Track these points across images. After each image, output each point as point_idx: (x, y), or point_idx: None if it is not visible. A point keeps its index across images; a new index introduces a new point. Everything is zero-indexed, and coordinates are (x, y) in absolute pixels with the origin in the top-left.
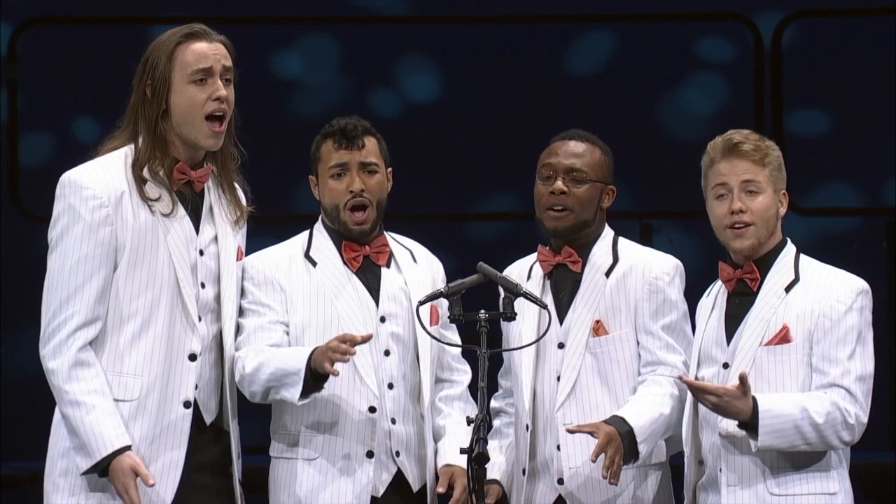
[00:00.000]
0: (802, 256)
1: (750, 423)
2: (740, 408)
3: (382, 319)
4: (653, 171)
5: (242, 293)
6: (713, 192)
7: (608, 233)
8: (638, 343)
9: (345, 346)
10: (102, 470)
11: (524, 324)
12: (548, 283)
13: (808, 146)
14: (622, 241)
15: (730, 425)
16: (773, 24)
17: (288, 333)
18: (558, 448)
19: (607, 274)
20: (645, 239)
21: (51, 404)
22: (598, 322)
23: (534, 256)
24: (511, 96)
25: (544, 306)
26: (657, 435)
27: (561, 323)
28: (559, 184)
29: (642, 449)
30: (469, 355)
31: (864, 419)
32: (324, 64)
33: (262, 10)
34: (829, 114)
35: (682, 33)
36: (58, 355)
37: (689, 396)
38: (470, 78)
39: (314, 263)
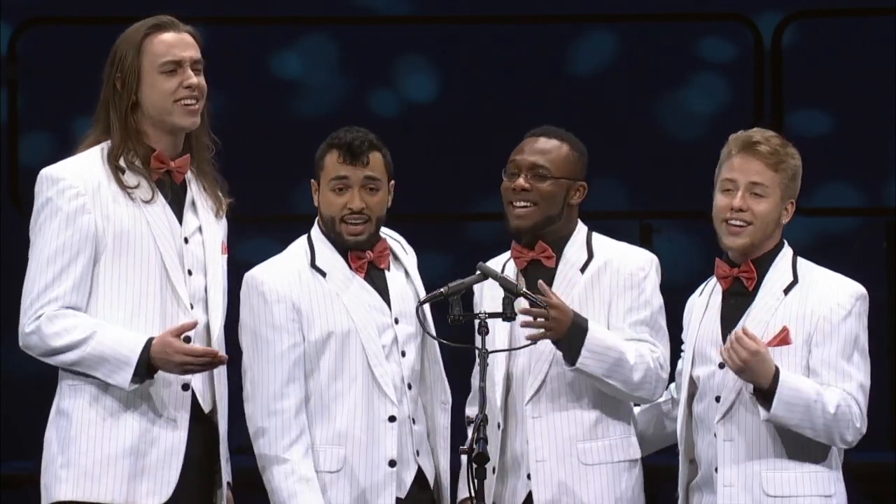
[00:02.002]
0: (799, 258)
1: (766, 390)
2: (767, 370)
3: (396, 321)
4: (653, 171)
5: (249, 311)
6: (721, 184)
7: (581, 228)
8: None
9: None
10: (146, 369)
11: (498, 323)
12: (522, 280)
13: (809, 146)
14: (596, 236)
15: (726, 428)
16: (773, 24)
17: (303, 353)
18: (528, 443)
19: (582, 269)
20: (645, 239)
21: (51, 404)
22: None
23: (507, 255)
24: (511, 96)
25: (544, 306)
26: (604, 360)
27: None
28: (520, 181)
29: (584, 355)
30: (466, 354)
31: (864, 429)
32: (323, 64)
33: (262, 10)
34: (830, 114)
35: (683, 33)
36: (33, 329)
37: (684, 395)
38: (469, 78)
39: (323, 273)
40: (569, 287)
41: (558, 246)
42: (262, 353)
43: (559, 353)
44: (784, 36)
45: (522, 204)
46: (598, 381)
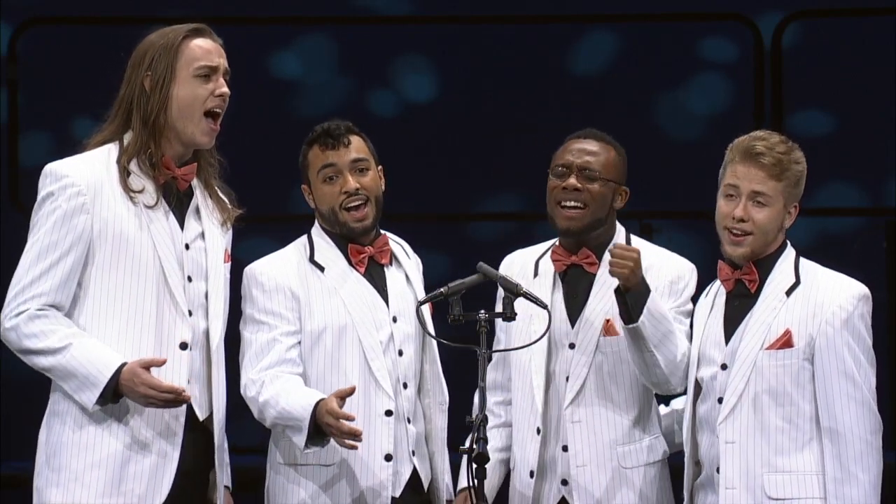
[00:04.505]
0: (802, 259)
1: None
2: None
3: (395, 319)
4: (653, 171)
5: (248, 301)
6: (724, 189)
7: (620, 230)
8: None
9: (349, 442)
10: (112, 394)
11: (518, 324)
12: (560, 282)
13: (809, 146)
14: (634, 239)
15: (728, 430)
16: (773, 24)
17: (300, 342)
18: (564, 449)
19: None
20: (645, 239)
21: None
22: (608, 321)
23: (540, 248)
24: (511, 96)
25: (545, 307)
26: (659, 329)
27: (573, 324)
28: (572, 180)
29: (643, 314)
30: (468, 355)
31: (879, 430)
32: (322, 64)
33: (261, 10)
34: (830, 114)
35: (683, 34)
36: (12, 325)
37: (690, 397)
38: (469, 78)
39: (321, 268)
40: (608, 290)
41: (599, 250)
42: (263, 334)
43: (598, 359)
44: (784, 36)
45: (573, 204)
46: (645, 351)
